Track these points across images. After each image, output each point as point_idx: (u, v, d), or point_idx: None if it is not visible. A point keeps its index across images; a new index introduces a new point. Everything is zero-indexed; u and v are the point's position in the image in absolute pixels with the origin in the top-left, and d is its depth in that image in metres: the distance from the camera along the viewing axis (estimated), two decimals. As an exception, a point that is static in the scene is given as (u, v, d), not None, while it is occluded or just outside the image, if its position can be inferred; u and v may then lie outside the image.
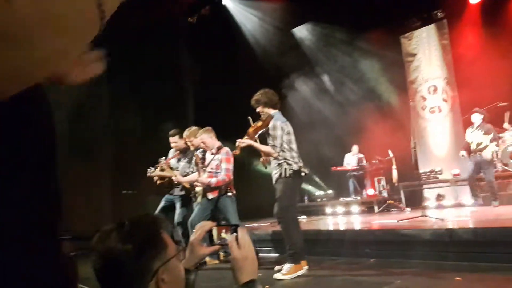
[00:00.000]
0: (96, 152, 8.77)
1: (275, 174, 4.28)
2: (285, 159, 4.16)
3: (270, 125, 4.23)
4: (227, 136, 5.35)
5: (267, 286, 3.69)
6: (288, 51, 10.98)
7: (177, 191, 5.59)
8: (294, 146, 4.28)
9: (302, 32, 11.34)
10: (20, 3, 0.45)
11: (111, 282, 1.02)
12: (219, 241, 1.24)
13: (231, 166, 4.95)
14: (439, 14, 9.89)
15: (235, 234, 1.20)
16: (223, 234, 1.24)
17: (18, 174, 0.62)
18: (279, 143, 4.17)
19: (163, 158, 5.66)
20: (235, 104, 10.07)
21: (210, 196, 4.92)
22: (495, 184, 6.72)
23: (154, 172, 5.57)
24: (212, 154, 5.05)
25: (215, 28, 9.91)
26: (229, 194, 4.90)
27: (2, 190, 0.61)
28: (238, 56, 10.20)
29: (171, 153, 5.76)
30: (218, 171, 4.90)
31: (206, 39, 9.72)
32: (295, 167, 4.15)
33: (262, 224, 7.51)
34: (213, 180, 4.85)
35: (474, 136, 6.90)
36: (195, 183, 5.12)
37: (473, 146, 6.85)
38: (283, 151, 4.18)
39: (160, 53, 8.57)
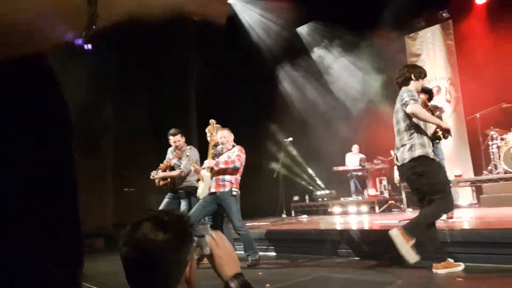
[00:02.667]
0: (97, 150, 8.80)
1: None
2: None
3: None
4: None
5: (267, 285, 3.69)
6: (292, 49, 10.98)
7: (180, 189, 5.66)
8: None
9: (306, 30, 11.33)
10: None
11: (145, 273, 1.02)
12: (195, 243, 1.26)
13: (243, 155, 5.01)
14: (444, 15, 9.86)
15: (211, 234, 1.27)
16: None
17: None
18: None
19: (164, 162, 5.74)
20: (237, 104, 10.13)
21: (213, 189, 4.91)
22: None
23: (157, 175, 5.61)
24: (228, 150, 5.08)
25: (221, 28, 9.89)
26: (234, 193, 4.89)
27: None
28: (242, 55, 10.18)
29: (170, 152, 5.80)
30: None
31: (211, 38, 9.72)
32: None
33: (262, 223, 7.51)
34: (221, 160, 4.92)
35: None
36: (200, 174, 5.18)
37: None
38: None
39: (164, 53, 8.57)
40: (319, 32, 11.12)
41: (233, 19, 10.56)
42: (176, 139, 5.66)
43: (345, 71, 10.87)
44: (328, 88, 10.98)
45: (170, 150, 5.84)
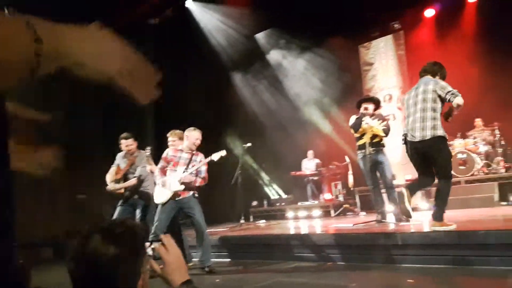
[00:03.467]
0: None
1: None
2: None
3: None
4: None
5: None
6: (250, 56, 11.05)
7: (135, 196, 5.48)
8: None
9: (264, 37, 11.44)
10: None
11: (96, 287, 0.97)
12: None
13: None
14: (396, 26, 10.28)
15: (161, 239, 1.24)
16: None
17: None
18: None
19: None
20: (195, 109, 10.05)
21: (181, 196, 4.86)
22: None
23: (115, 186, 5.41)
24: (192, 154, 4.97)
25: (178, 30, 9.80)
26: (196, 195, 4.95)
27: None
28: (200, 60, 10.12)
29: (120, 157, 5.60)
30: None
31: (169, 41, 9.60)
32: None
33: (220, 229, 7.47)
34: (199, 179, 4.91)
35: None
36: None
37: None
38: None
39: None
40: (277, 39, 11.27)
41: (192, 23, 10.50)
42: (128, 143, 5.47)
43: (301, 78, 11.07)
44: (285, 95, 11.13)
45: (120, 155, 5.61)
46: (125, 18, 8.08)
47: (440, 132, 4.22)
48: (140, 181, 5.44)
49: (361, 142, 5.64)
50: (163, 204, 4.83)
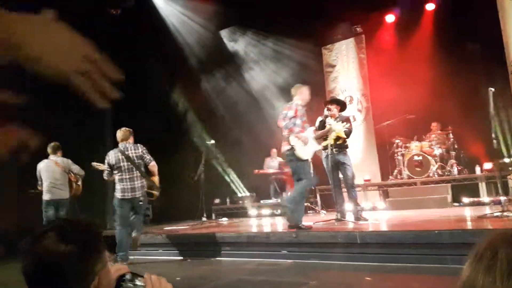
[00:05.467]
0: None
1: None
2: None
3: None
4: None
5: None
6: (213, 52, 10.97)
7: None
8: None
9: (228, 34, 11.39)
10: None
11: (47, 286, 0.96)
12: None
13: None
14: (358, 29, 10.49)
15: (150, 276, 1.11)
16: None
17: None
18: None
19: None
20: (158, 105, 9.86)
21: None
22: None
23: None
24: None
25: (139, 21, 9.53)
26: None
27: None
28: (163, 55, 9.92)
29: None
30: None
31: (129, 32, 9.34)
32: None
33: (181, 227, 7.38)
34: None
35: None
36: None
37: None
38: None
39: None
40: (241, 37, 11.24)
41: (156, 18, 10.27)
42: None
43: (264, 77, 11.10)
44: (249, 92, 11.13)
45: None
46: (82, 6, 7.71)
47: None
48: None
49: (325, 143, 5.75)
50: None
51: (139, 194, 5.15)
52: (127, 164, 5.08)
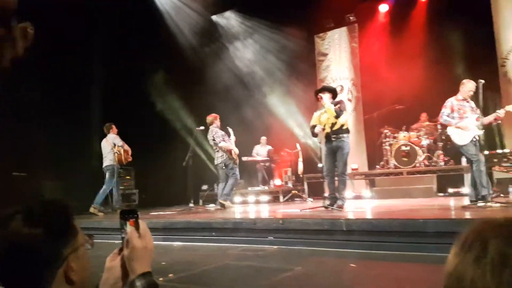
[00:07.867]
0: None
1: None
2: None
3: None
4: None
5: (170, 275, 3.61)
6: (207, 37, 10.85)
7: None
8: None
9: (221, 19, 11.26)
10: None
11: (13, 269, 0.92)
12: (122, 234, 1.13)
13: None
14: (351, 18, 10.45)
15: (132, 223, 1.12)
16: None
17: None
18: None
19: None
20: (147, 91, 9.75)
21: None
22: None
23: None
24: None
25: (131, 7, 9.35)
26: None
27: None
28: (155, 39, 9.76)
29: None
30: None
31: (121, 18, 9.14)
32: None
33: (168, 212, 7.36)
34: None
35: None
36: None
37: None
38: None
39: (65, 32, 7.81)
40: (234, 22, 11.12)
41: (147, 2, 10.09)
42: None
43: (257, 64, 11.03)
44: (241, 79, 11.06)
45: None
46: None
47: None
48: None
49: (325, 132, 5.78)
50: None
51: None
52: None
